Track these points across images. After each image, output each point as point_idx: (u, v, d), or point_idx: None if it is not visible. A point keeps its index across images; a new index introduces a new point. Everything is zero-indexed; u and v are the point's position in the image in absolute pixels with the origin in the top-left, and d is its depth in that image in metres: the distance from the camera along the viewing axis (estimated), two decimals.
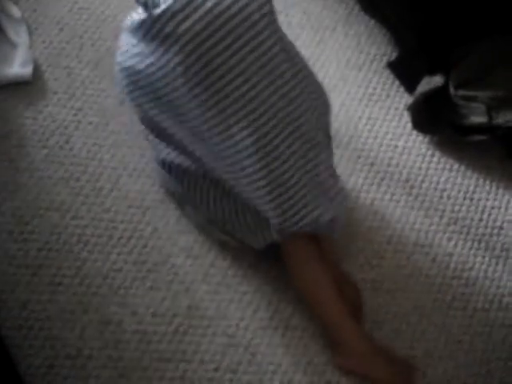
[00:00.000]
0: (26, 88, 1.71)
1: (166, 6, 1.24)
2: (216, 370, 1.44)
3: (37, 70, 1.74)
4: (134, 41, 1.34)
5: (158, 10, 1.26)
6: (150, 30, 1.29)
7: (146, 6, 1.30)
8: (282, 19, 1.88)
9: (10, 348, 1.38)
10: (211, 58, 1.25)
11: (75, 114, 1.69)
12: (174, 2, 1.24)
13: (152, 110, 1.41)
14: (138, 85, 1.39)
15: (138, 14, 1.34)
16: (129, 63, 1.37)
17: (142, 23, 1.30)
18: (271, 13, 1.28)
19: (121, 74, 1.43)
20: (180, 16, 1.23)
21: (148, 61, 1.31)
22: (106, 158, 1.63)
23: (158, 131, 1.46)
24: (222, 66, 1.25)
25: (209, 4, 1.23)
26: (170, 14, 1.24)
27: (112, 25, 1.83)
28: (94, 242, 1.54)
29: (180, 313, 1.49)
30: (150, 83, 1.35)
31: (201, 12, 1.23)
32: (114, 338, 1.45)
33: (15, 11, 1.80)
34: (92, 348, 1.43)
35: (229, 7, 1.23)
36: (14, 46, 1.76)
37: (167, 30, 1.25)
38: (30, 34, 1.79)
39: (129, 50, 1.37)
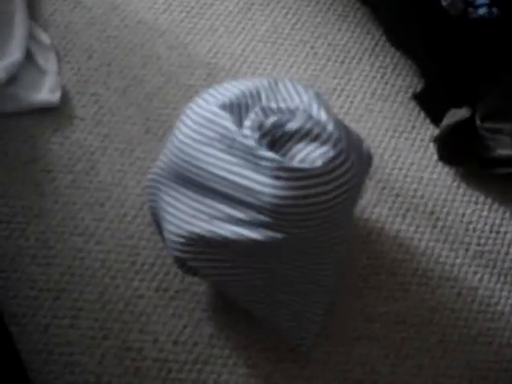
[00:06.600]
0: (54, 114, 1.73)
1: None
2: None
3: (65, 96, 1.76)
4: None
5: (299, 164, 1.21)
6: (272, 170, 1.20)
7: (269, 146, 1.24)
8: (307, 50, 1.92)
9: (30, 372, 1.38)
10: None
11: (102, 141, 1.70)
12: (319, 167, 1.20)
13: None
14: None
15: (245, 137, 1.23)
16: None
17: (266, 158, 1.20)
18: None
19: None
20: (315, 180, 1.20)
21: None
22: (131, 185, 1.64)
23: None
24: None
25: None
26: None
27: (139, 53, 1.85)
28: (116, 268, 1.54)
29: (201, 341, 1.48)
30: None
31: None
32: (134, 365, 1.44)
33: (45, 38, 1.83)
34: (111, 375, 1.42)
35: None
36: (42, 72, 1.78)
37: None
38: (59, 60, 1.82)
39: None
